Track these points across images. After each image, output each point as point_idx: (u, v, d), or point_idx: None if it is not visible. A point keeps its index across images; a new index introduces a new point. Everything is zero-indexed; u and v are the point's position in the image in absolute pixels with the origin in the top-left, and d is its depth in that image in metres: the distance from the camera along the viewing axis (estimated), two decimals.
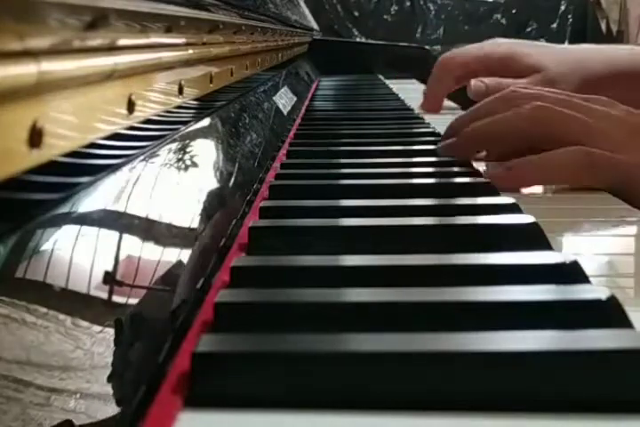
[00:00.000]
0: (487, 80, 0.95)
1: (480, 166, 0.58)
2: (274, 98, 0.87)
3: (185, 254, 0.33)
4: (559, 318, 0.27)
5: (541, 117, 0.56)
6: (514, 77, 0.93)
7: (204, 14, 0.48)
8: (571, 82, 0.88)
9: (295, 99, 1.05)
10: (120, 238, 0.28)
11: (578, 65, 0.90)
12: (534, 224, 0.39)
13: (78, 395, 0.21)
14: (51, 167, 0.24)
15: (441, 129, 0.79)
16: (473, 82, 0.95)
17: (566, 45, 1.06)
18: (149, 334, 0.27)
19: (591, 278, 0.31)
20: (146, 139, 0.37)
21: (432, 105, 1.07)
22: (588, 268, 0.32)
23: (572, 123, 0.56)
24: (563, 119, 0.56)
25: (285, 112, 0.90)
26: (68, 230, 0.25)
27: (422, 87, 1.16)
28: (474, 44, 1.07)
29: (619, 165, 0.53)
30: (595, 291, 0.29)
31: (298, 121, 0.90)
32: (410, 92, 1.26)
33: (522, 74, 0.94)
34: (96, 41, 0.27)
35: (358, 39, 3.81)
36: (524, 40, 1.09)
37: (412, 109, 1.05)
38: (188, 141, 0.43)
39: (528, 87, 0.65)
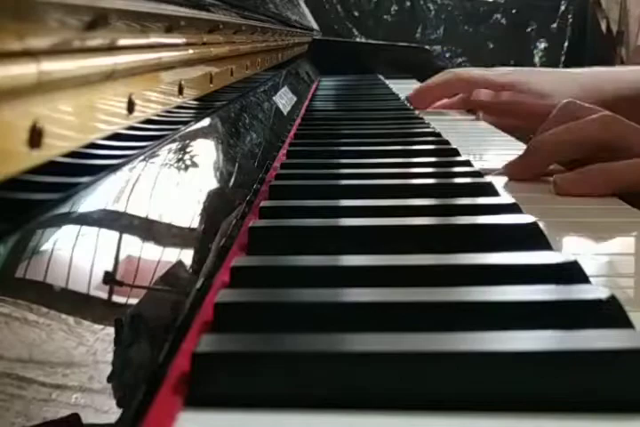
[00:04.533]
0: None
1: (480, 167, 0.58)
2: (274, 98, 0.87)
3: (185, 254, 0.33)
4: (559, 318, 0.27)
5: (610, 124, 0.59)
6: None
7: (203, 14, 0.48)
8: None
9: (295, 99, 1.05)
10: (120, 238, 0.28)
11: (585, 91, 0.92)
12: (534, 224, 0.39)
13: (77, 395, 0.21)
14: (51, 167, 0.24)
15: (441, 129, 0.79)
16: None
17: (568, 70, 1.10)
18: (149, 333, 0.27)
19: (591, 278, 0.31)
20: (146, 139, 0.37)
21: (423, 107, 1.13)
22: (588, 268, 0.32)
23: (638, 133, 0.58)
24: (629, 128, 0.59)
25: (285, 112, 0.90)
26: (68, 230, 0.25)
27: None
28: (481, 68, 1.13)
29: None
30: (595, 291, 0.29)
31: (298, 121, 0.90)
32: (410, 92, 1.26)
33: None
34: (96, 41, 0.27)
35: (358, 39, 3.81)
36: (526, 68, 1.13)
37: (412, 109, 1.05)
38: (188, 141, 0.43)
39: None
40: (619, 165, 0.55)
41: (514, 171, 0.62)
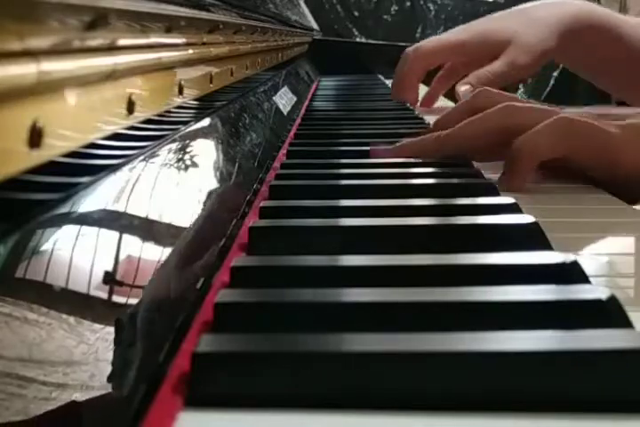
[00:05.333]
0: (472, 80, 1.00)
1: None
2: (274, 98, 0.87)
3: (185, 254, 0.33)
4: (559, 318, 0.27)
5: (508, 111, 0.58)
6: (489, 56, 1.02)
7: (203, 14, 0.48)
8: (542, 39, 1.00)
9: (295, 99, 1.05)
10: (120, 238, 0.28)
11: (534, 25, 0.97)
12: (534, 224, 0.39)
13: (78, 395, 0.21)
14: (51, 167, 0.24)
15: None
16: (462, 88, 1.00)
17: (523, 6, 1.11)
18: (149, 333, 0.27)
19: (591, 278, 0.31)
20: (146, 139, 0.37)
21: (407, 95, 1.11)
22: (588, 268, 0.32)
23: (539, 112, 0.57)
24: (528, 110, 0.57)
25: (285, 112, 0.90)
26: (68, 230, 0.25)
27: (422, 88, 1.16)
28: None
29: (598, 133, 0.53)
30: (595, 291, 0.29)
31: (298, 121, 0.90)
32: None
33: (496, 49, 1.02)
34: (96, 41, 0.27)
35: (358, 39, 3.81)
36: (478, 19, 1.13)
37: (412, 109, 1.05)
38: (188, 141, 0.43)
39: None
40: (530, 133, 0.53)
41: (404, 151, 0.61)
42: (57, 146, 0.24)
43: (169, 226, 0.34)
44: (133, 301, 0.27)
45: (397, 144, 0.63)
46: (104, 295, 0.26)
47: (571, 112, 0.58)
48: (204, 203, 0.40)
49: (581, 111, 0.61)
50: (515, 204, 0.44)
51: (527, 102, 0.63)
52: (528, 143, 0.54)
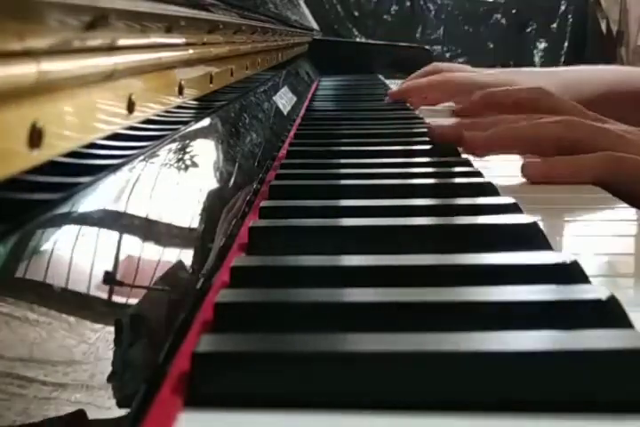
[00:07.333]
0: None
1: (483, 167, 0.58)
2: (274, 98, 0.87)
3: (185, 254, 0.33)
4: (559, 318, 0.27)
5: (574, 125, 0.61)
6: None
7: (203, 14, 0.48)
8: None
9: (295, 99, 1.05)
10: (120, 238, 0.28)
11: (565, 89, 0.95)
12: (534, 224, 0.39)
13: (78, 394, 0.21)
14: (51, 167, 0.24)
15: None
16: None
17: (554, 69, 1.13)
18: (150, 333, 0.27)
19: (591, 278, 0.31)
20: (146, 139, 0.37)
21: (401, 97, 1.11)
22: (588, 268, 0.32)
23: (602, 132, 0.60)
24: (592, 129, 0.60)
25: (285, 112, 0.90)
26: (68, 230, 0.25)
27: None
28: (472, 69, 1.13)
29: None
30: (595, 291, 0.29)
31: (298, 121, 0.90)
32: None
33: None
34: (96, 41, 0.27)
35: (358, 39, 3.81)
36: (510, 68, 1.14)
37: (412, 109, 1.05)
38: (188, 141, 0.43)
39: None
40: (587, 158, 0.56)
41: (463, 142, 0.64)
42: (57, 146, 0.24)
43: (169, 226, 0.34)
44: (133, 301, 0.27)
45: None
46: (104, 295, 0.26)
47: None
48: (204, 203, 0.40)
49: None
50: (515, 204, 0.44)
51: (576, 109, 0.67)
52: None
